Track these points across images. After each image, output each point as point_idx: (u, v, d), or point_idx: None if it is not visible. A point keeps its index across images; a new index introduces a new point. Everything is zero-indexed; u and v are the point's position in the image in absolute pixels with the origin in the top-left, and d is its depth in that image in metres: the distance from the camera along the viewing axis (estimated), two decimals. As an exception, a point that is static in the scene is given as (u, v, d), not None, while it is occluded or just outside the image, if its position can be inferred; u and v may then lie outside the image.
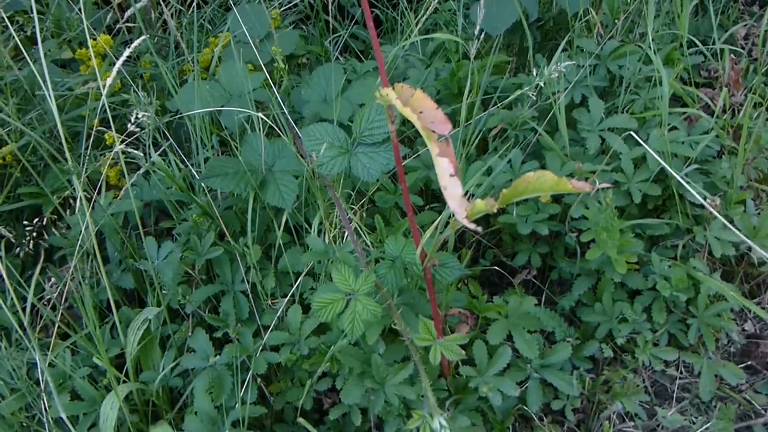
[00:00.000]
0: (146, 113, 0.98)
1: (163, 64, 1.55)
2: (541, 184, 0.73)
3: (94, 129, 1.30)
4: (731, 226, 1.06)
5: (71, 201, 1.35)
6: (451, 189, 0.64)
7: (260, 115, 1.07)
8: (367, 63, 1.58)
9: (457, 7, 1.65)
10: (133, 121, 0.97)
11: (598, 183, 1.17)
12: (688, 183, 1.20)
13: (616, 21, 1.50)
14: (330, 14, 2.03)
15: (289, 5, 1.87)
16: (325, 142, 1.01)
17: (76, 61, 1.49)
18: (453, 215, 0.84)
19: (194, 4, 1.85)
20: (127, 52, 1.06)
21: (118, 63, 1.06)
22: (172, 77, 1.59)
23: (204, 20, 1.87)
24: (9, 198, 1.37)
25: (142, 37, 1.07)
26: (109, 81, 1.05)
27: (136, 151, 1.01)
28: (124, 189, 1.16)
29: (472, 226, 0.64)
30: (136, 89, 1.12)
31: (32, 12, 1.37)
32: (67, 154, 1.07)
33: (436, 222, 0.86)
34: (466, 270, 0.96)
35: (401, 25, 1.87)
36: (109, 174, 1.36)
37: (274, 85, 1.42)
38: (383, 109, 1.02)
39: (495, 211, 0.75)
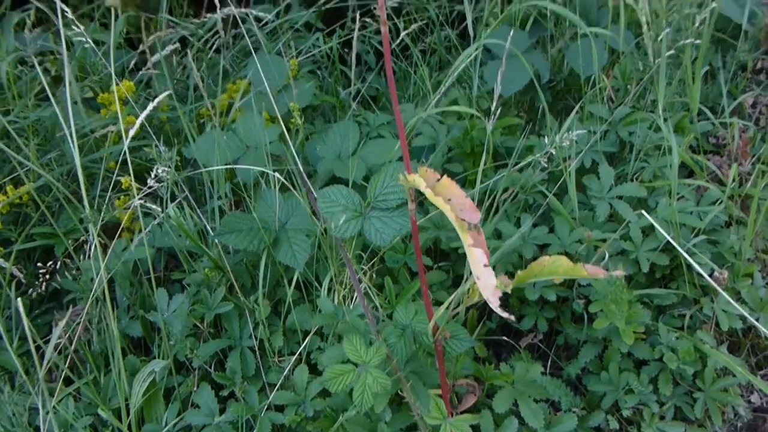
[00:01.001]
0: (167, 168, 1.00)
1: (181, 108, 1.58)
2: (555, 269, 0.74)
3: (115, 174, 1.32)
4: (737, 305, 1.06)
5: (84, 243, 1.37)
6: (485, 279, 0.65)
7: (276, 175, 1.08)
8: (381, 116, 1.61)
9: (472, 67, 1.68)
10: (153, 177, 0.99)
11: (608, 255, 1.19)
12: (694, 256, 1.21)
13: (628, 87, 1.53)
14: (347, 64, 2.07)
15: (307, 54, 1.91)
16: (339, 204, 1.02)
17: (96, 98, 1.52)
18: (468, 293, 0.86)
19: (215, 47, 1.89)
20: (150, 107, 1.09)
21: (141, 116, 1.08)
22: (189, 120, 1.62)
23: (225, 62, 1.91)
24: (23, 237, 1.38)
25: (166, 92, 1.09)
26: (131, 133, 1.07)
27: (153, 206, 1.02)
28: (137, 238, 1.17)
29: (506, 315, 0.65)
30: (158, 142, 1.14)
31: (61, 55, 1.41)
32: (85, 202, 1.09)
33: (449, 300, 0.87)
34: (476, 341, 0.97)
35: (414, 77, 1.91)
36: (122, 217, 1.38)
37: (289, 133, 1.44)
38: (398, 173, 1.03)
39: (510, 291, 0.76)
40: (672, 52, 1.40)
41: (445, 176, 0.74)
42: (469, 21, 1.67)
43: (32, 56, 1.24)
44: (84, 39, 1.23)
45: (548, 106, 1.72)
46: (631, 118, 1.43)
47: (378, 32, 1.99)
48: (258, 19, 2.06)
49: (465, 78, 1.85)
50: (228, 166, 1.19)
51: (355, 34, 1.64)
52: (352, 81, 1.78)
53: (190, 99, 1.69)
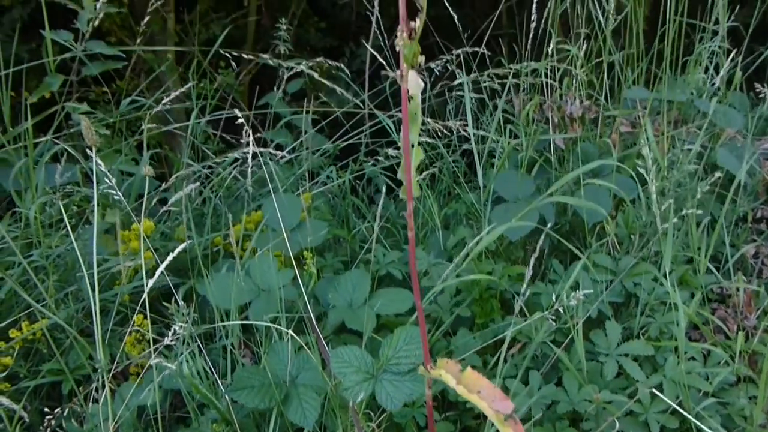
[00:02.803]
0: (183, 325, 1.02)
1: (197, 237, 1.63)
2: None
3: (135, 313, 1.34)
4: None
5: (91, 380, 1.37)
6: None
7: (290, 332, 1.10)
8: (391, 253, 1.65)
9: (479, 203, 1.75)
10: (170, 336, 1.01)
11: (617, 418, 1.19)
12: (704, 420, 1.21)
13: (632, 236, 1.58)
14: (358, 195, 2.15)
15: (322, 186, 1.98)
16: (352, 365, 1.04)
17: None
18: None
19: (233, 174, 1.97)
20: (171, 257, 1.13)
21: (162, 266, 1.12)
22: (204, 248, 1.66)
23: (241, 190, 1.98)
24: (31, 373, 1.39)
25: (187, 243, 1.14)
26: (150, 283, 1.11)
27: (168, 364, 1.04)
28: (148, 388, 1.17)
29: None
30: (175, 293, 1.17)
31: (86, 189, 1.47)
32: (99, 351, 1.10)
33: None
34: None
35: (422, 210, 1.97)
36: (131, 351, 1.39)
37: (301, 268, 1.47)
38: (412, 338, 1.05)
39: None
40: (674, 208, 1.46)
41: (468, 368, 0.76)
42: (477, 165, 1.74)
43: (59, 201, 1.30)
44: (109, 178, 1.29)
45: (554, 247, 1.77)
46: (636, 270, 1.47)
47: (388, 167, 2.07)
48: (278, 148, 2.17)
49: (473, 211, 1.92)
50: (241, 320, 1.21)
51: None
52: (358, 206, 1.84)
53: (207, 228, 1.75)
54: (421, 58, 0.59)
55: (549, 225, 1.67)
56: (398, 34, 0.56)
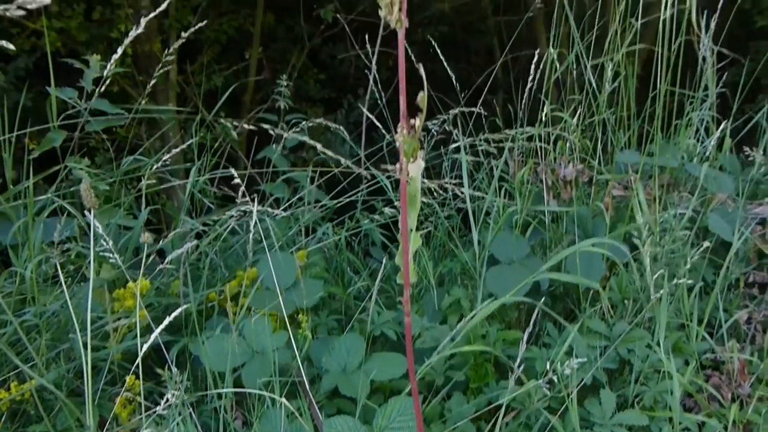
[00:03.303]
0: (176, 392, 1.01)
1: (192, 294, 1.63)
2: None
3: (128, 380, 1.33)
4: None
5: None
6: None
7: (282, 400, 1.10)
8: (386, 313, 1.65)
9: (474, 262, 1.76)
10: (163, 405, 1.01)
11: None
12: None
13: (626, 301, 1.59)
14: (354, 251, 2.16)
15: (318, 242, 1.99)
16: (344, 437, 1.03)
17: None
18: None
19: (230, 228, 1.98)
20: (166, 322, 1.13)
21: (157, 331, 1.12)
22: (199, 303, 1.66)
23: (236, 247, 1.99)
24: (18, 434, 1.37)
25: (183, 308, 1.14)
26: (145, 347, 1.11)
27: (159, 433, 1.03)
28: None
29: None
30: (169, 360, 1.17)
31: (90, 257, 1.47)
32: (89, 419, 1.09)
33: None
34: None
35: (418, 271, 1.97)
36: (121, 413, 1.37)
37: (296, 327, 1.47)
38: (406, 409, 1.05)
39: None
40: (667, 275, 1.47)
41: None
42: (473, 228, 1.76)
43: (56, 259, 1.30)
44: (106, 240, 1.30)
45: (548, 308, 1.77)
46: (630, 336, 1.47)
47: (383, 225, 2.09)
48: (276, 201, 2.19)
49: (468, 270, 1.92)
50: (236, 388, 1.21)
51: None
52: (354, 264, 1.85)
53: (203, 284, 1.74)
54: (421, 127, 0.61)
55: (543, 288, 1.68)
56: (398, 130, 0.58)
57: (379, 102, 2.47)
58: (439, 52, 2.27)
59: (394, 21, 0.55)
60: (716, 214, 1.77)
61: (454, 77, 2.36)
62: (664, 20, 1.70)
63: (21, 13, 1.34)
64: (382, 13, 0.56)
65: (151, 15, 1.59)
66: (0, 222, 1.55)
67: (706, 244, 1.46)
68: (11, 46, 1.48)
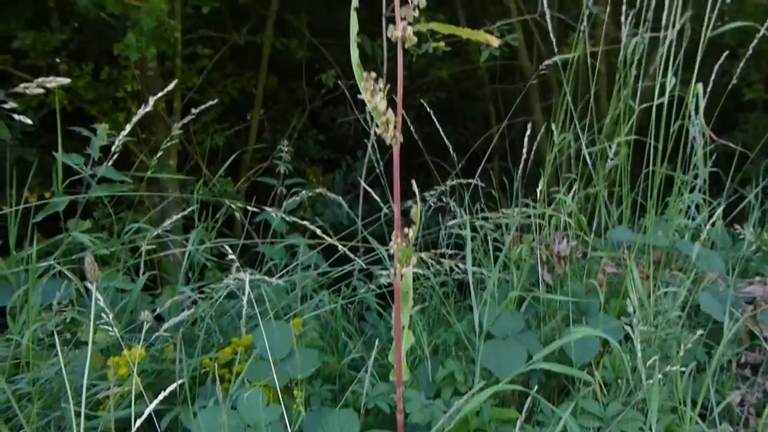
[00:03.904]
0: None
1: (186, 360, 1.63)
2: None
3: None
4: None
5: None
6: None
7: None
8: (379, 385, 1.65)
9: (470, 333, 1.77)
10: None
11: None
12: None
13: (619, 380, 1.59)
14: (350, 319, 2.16)
15: (314, 310, 2.00)
16: None
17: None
18: None
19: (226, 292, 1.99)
20: (158, 399, 1.13)
21: (151, 406, 1.12)
22: (193, 369, 1.65)
23: (233, 312, 2.00)
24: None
25: (179, 382, 1.14)
26: (138, 423, 1.10)
27: None
28: None
29: None
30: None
31: (88, 324, 1.48)
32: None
33: None
34: None
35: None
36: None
37: (290, 397, 1.46)
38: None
39: None
40: (660, 356, 1.49)
41: None
42: (474, 304, 1.78)
43: (53, 326, 1.31)
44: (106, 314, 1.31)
45: (542, 384, 1.77)
46: (624, 417, 1.47)
47: (379, 294, 2.11)
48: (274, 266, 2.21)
49: (462, 340, 1.93)
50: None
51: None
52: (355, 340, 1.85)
53: (197, 351, 1.74)
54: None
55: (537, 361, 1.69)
56: (393, 238, 0.61)
57: (375, 165, 2.53)
58: (435, 119, 2.33)
59: (390, 138, 0.59)
60: (708, 293, 1.79)
61: (451, 147, 2.42)
62: (660, 105, 1.77)
63: (40, 91, 1.40)
64: (378, 130, 0.60)
65: (159, 95, 1.65)
66: (0, 285, 1.57)
67: (700, 332, 1.48)
68: (16, 106, 1.53)
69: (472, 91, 5.18)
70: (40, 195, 3.63)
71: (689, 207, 2.08)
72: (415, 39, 0.66)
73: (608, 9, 2.33)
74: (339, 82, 3.87)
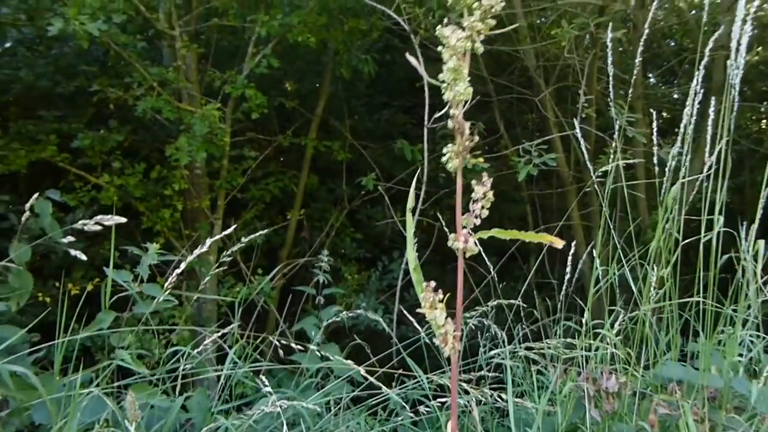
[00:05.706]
0: None
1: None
2: None
3: None
4: None
5: None
6: None
7: None
8: None
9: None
10: None
11: None
12: None
13: None
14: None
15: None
16: None
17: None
18: None
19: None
20: None
21: None
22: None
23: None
24: None
25: None
26: None
27: None
28: None
29: None
30: None
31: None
32: None
33: None
34: None
35: None
36: None
37: None
38: None
39: None
40: None
41: None
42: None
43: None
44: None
45: None
46: None
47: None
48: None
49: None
50: None
51: None
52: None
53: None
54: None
55: None
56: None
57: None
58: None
59: (449, 350, 0.58)
60: (768, 440, 1.68)
61: (481, 250, 2.39)
62: (707, 242, 1.74)
63: (98, 228, 1.44)
64: (436, 341, 0.59)
65: (216, 238, 1.70)
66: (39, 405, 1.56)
67: None
68: (70, 203, 1.58)
69: (510, 194, 5.21)
70: (82, 287, 3.69)
71: (742, 341, 1.99)
72: (476, 249, 0.66)
73: (647, 130, 2.35)
74: (378, 186, 3.94)
